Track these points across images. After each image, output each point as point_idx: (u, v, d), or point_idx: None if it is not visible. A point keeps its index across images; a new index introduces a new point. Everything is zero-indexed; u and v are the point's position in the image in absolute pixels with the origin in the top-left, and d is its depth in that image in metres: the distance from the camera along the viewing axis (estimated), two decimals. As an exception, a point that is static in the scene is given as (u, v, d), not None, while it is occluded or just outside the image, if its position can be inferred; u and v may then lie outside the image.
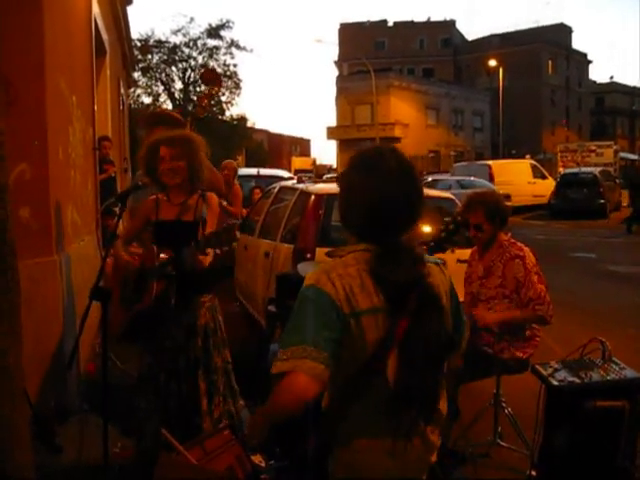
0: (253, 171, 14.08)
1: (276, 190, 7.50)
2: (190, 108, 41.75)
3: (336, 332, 1.94)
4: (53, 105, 4.81)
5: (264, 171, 14.15)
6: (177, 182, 3.74)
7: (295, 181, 7.50)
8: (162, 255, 3.62)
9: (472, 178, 24.44)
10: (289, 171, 64.31)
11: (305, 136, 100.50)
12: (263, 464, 3.92)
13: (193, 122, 5.14)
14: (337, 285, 1.96)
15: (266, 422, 2.05)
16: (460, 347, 2.30)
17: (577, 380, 3.28)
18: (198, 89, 43.61)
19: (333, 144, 58.87)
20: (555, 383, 3.28)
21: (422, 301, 2.00)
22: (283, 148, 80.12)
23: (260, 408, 2.13)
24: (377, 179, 2.01)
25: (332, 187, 6.15)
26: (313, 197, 5.99)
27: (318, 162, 65.77)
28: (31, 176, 4.53)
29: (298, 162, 74.50)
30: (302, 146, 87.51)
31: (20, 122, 4.45)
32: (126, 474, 3.80)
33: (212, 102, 5.45)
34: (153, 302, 3.62)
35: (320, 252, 5.61)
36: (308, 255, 5.63)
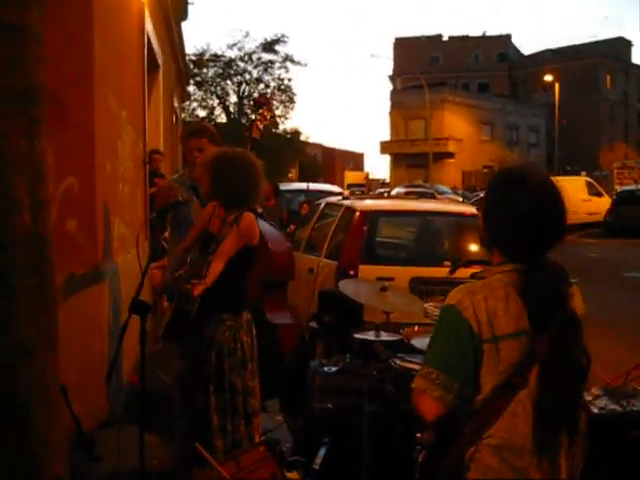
0: (303, 186, 14.16)
1: (322, 206, 7.51)
2: (244, 121, 42.30)
3: (470, 359, 1.99)
4: (101, 120, 4.91)
5: (314, 186, 14.21)
6: (204, 192, 3.79)
7: (341, 197, 7.51)
8: None
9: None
10: (342, 185, 64.53)
11: (359, 150, 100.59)
12: (299, 481, 3.92)
13: (252, 144, 5.23)
14: (480, 308, 1.99)
15: None
16: None
17: (618, 408, 3.18)
18: (252, 102, 44.05)
19: (386, 158, 58.83)
20: (595, 411, 3.18)
21: (565, 321, 2.00)
22: (336, 162, 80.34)
23: None
24: (527, 194, 2.03)
25: (378, 203, 6.16)
26: (358, 213, 5.98)
27: (371, 176, 65.83)
28: (79, 189, 4.63)
29: (351, 176, 74.57)
30: (355, 160, 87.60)
31: (69, 137, 4.57)
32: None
33: (267, 123, 5.55)
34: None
35: (364, 269, 5.59)
36: (351, 272, 5.62)
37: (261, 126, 5.44)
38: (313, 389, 4.19)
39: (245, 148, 5.20)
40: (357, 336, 4.19)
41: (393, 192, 36.90)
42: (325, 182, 57.93)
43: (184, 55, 16.07)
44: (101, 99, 4.94)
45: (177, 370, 3.97)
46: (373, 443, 3.85)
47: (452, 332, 2.04)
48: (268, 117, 5.50)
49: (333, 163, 78.01)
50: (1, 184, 2.36)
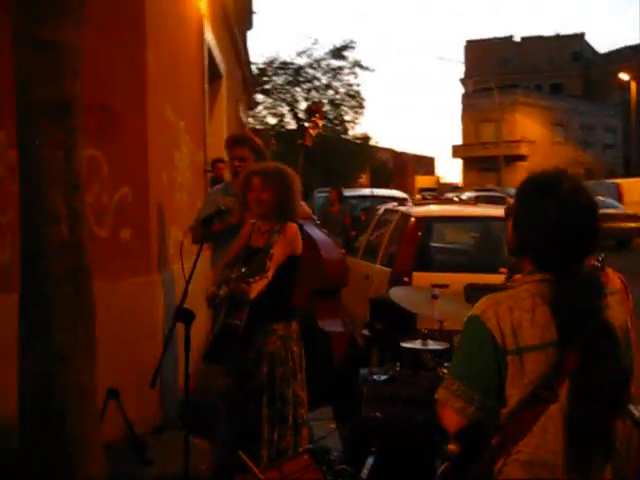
0: (367, 191, 14.12)
1: (380, 212, 7.47)
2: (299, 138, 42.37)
3: (492, 371, 1.95)
4: (156, 130, 5.02)
5: (378, 191, 14.16)
6: (261, 212, 3.80)
7: (396, 204, 7.45)
8: None
9: (601, 198, 23.42)
10: (413, 190, 63.96)
11: (430, 155, 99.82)
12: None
13: (303, 151, 5.27)
14: (504, 319, 1.93)
15: None
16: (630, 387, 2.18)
17: None
18: (305, 111, 44.19)
19: (458, 162, 58.22)
20: (637, 414, 3.03)
21: (598, 334, 1.93)
22: (408, 167, 79.85)
23: None
24: (556, 202, 1.97)
25: (434, 210, 6.08)
26: (413, 220, 5.92)
27: (443, 181, 65.19)
28: (133, 199, 4.74)
29: (422, 180, 74.09)
30: (427, 164, 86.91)
31: (123, 147, 4.70)
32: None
33: (319, 131, 5.60)
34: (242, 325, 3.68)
35: (417, 276, 5.52)
36: (405, 279, 5.55)
37: (313, 133, 5.47)
38: (361, 398, 4.16)
39: (299, 155, 5.25)
40: (404, 345, 4.14)
41: (463, 196, 36.51)
42: (396, 187, 57.80)
43: (249, 64, 16.27)
44: (155, 109, 5.05)
45: (223, 386, 3.98)
46: (421, 453, 3.79)
47: (475, 343, 1.99)
48: (320, 125, 5.53)
49: (404, 168, 77.55)
50: (38, 195, 2.44)
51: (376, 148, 49.53)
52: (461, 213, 6.23)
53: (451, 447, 3.21)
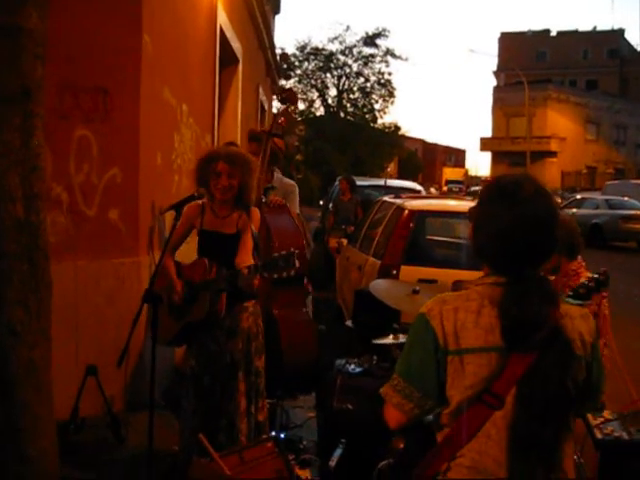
0: (381, 182, 14.04)
1: (378, 204, 7.47)
2: (342, 114, 42.48)
3: (432, 369, 1.94)
4: (150, 113, 5.06)
5: (392, 182, 14.04)
6: (226, 198, 3.84)
7: (393, 196, 7.43)
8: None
9: (625, 198, 23.13)
10: (440, 181, 63.13)
11: (461, 147, 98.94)
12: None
13: (268, 139, 5.23)
14: (448, 318, 1.93)
15: None
16: (594, 403, 2.16)
17: (625, 436, 2.97)
18: (352, 96, 44.20)
19: (488, 155, 57.73)
20: (599, 436, 3.00)
21: (548, 343, 1.90)
22: (437, 158, 79.49)
23: None
24: (511, 206, 1.96)
25: (429, 203, 6.05)
26: (406, 212, 5.91)
27: (472, 174, 64.69)
28: (122, 180, 4.80)
29: (449, 172, 73.70)
30: (457, 156, 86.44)
31: (114, 128, 4.75)
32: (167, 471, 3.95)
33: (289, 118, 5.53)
34: (204, 315, 3.74)
35: (405, 270, 5.51)
36: (394, 272, 5.55)
37: (283, 123, 5.43)
38: (334, 388, 4.18)
39: (265, 143, 5.24)
40: (374, 341, 4.15)
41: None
42: (424, 178, 57.46)
43: (273, 48, 16.25)
44: (151, 92, 5.09)
45: (186, 368, 4.04)
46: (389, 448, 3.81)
47: (417, 340, 1.99)
48: (290, 110, 5.49)
49: (434, 159, 77.22)
50: (-6, 176, 2.51)
51: (405, 138, 49.29)
52: (456, 208, 6.17)
53: (396, 443, 3.26)
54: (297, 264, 3.46)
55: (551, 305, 1.93)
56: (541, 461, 1.90)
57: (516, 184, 2.00)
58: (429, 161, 73.00)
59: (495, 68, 63.09)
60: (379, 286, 4.69)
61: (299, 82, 43.63)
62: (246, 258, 3.80)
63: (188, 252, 4.16)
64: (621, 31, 63.73)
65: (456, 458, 1.94)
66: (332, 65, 43.63)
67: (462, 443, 1.92)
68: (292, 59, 41.05)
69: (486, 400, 1.88)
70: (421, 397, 1.96)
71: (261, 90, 14.82)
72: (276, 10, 16.30)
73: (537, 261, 1.99)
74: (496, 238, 1.96)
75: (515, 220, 1.94)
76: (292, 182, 6.09)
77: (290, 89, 6.27)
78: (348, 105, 44.74)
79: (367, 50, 43.09)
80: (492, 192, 2.05)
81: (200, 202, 3.94)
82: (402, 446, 3.18)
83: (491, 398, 1.88)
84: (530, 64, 57.49)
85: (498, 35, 68.05)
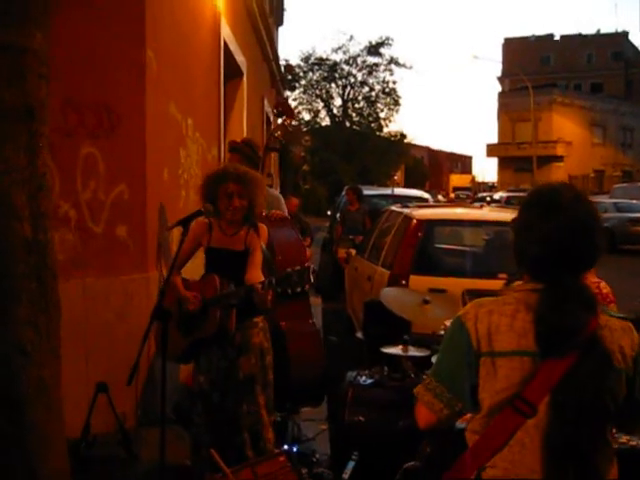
0: (388, 191, 14.03)
1: (386, 214, 7.46)
2: (348, 124, 42.51)
3: (464, 370, 1.95)
4: (157, 128, 5.07)
5: (399, 191, 14.04)
6: (237, 218, 3.83)
7: (400, 205, 7.41)
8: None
9: (634, 201, 23.05)
10: (447, 188, 63.02)
11: (467, 153, 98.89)
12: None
13: (266, 153, 5.23)
14: (482, 321, 1.94)
15: None
16: (635, 423, 2.14)
17: None
18: (357, 105, 44.29)
19: (494, 161, 57.65)
20: (614, 446, 2.96)
21: (585, 350, 1.87)
22: (444, 165, 79.52)
23: None
24: (550, 212, 1.96)
25: (436, 212, 6.03)
26: (414, 222, 5.89)
27: (479, 180, 64.52)
28: (129, 196, 4.80)
29: (456, 179, 73.56)
30: (463, 163, 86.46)
31: (121, 145, 4.76)
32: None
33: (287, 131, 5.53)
34: (215, 330, 3.74)
35: (414, 279, 5.49)
36: (403, 282, 5.52)
37: (280, 137, 5.43)
38: (346, 401, 4.16)
39: (265, 155, 5.23)
40: (384, 351, 4.13)
41: (496, 196, 36.19)
42: (431, 185, 57.39)
43: (277, 60, 16.30)
44: (156, 107, 5.09)
45: (195, 385, 4.02)
46: (404, 459, 3.78)
47: (451, 341, 2.02)
48: (287, 124, 5.49)
49: (440, 166, 77.22)
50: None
51: (411, 146, 49.31)
52: (465, 217, 6.17)
53: (424, 446, 3.22)
54: (312, 279, 3.45)
55: (589, 313, 1.91)
56: (578, 473, 1.85)
57: (555, 191, 2.02)
58: (435, 168, 73.02)
59: (499, 74, 63.11)
60: (389, 294, 4.68)
61: (304, 92, 43.79)
62: (256, 274, 3.79)
63: (194, 269, 4.15)
64: (625, 33, 63.65)
65: (486, 468, 1.91)
66: (336, 75, 43.74)
67: (493, 450, 1.90)
68: (297, 70, 41.15)
69: (517, 406, 1.87)
70: (451, 398, 1.97)
71: (266, 102, 14.84)
72: (279, 22, 16.35)
73: (577, 268, 1.98)
74: (535, 244, 1.97)
75: (554, 226, 1.94)
76: (277, 194, 6.10)
77: (286, 102, 6.30)
78: (353, 114, 44.83)
79: (371, 59, 43.20)
80: (531, 200, 2.06)
81: (207, 220, 3.91)
82: (429, 450, 3.15)
83: (523, 405, 1.86)
84: (534, 69, 57.49)
85: (502, 41, 68.12)
